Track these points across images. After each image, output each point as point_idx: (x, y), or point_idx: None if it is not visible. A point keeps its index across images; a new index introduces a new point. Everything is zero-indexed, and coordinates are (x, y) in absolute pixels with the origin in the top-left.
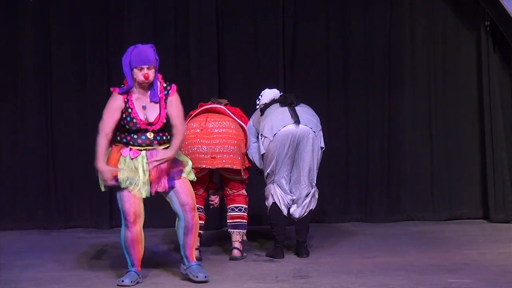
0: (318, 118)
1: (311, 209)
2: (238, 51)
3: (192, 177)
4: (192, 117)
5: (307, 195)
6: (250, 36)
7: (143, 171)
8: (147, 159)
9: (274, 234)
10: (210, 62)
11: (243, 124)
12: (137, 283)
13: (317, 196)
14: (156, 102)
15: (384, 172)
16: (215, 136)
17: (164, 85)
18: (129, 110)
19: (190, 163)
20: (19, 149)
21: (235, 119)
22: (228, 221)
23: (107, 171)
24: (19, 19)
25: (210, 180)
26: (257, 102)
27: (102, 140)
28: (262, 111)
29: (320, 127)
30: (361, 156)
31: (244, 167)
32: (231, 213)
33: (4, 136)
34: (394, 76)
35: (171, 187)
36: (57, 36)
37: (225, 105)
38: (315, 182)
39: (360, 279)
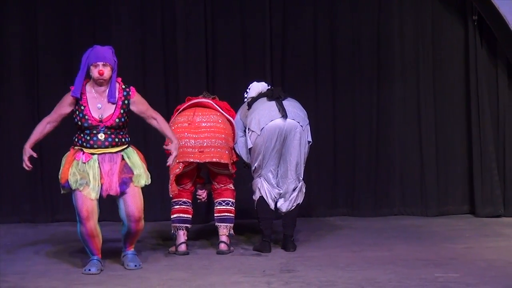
0: (306, 112)
1: (298, 203)
2: (226, 45)
3: (143, 183)
4: (180, 112)
5: (294, 189)
6: (238, 31)
7: (93, 174)
8: (98, 163)
9: (261, 228)
10: (197, 56)
11: (230, 118)
12: (101, 270)
13: (304, 191)
14: (113, 103)
15: (372, 166)
16: (202, 130)
17: (123, 86)
18: (82, 107)
19: (141, 170)
20: (4, 143)
21: (222, 113)
22: (215, 215)
23: (26, 153)
24: (5, 14)
25: (198, 174)
26: (245, 95)
27: (39, 126)
28: (250, 105)
29: (308, 121)
30: (349, 151)
31: (232, 161)
32: (218, 207)
33: None
34: (383, 71)
35: (122, 192)
36: (44, 32)
37: (213, 99)
38: (302, 177)
39: (347, 273)
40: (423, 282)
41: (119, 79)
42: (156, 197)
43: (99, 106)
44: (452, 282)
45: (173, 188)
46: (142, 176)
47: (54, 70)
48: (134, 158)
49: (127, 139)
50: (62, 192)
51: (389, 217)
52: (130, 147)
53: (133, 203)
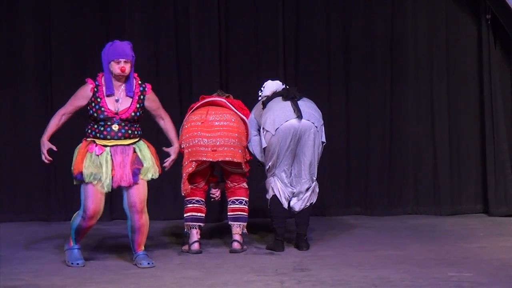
0: (320, 113)
1: (312, 203)
2: (239, 44)
3: (150, 176)
4: (193, 110)
5: (307, 189)
6: (251, 29)
7: (106, 168)
8: (111, 155)
9: (274, 227)
10: (211, 55)
11: (244, 117)
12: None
13: (317, 190)
14: (130, 97)
15: (385, 165)
16: (216, 129)
17: (139, 82)
18: (98, 99)
19: (150, 164)
20: (18, 141)
21: (236, 112)
22: (228, 213)
23: (45, 146)
24: (19, 11)
25: (211, 173)
26: (259, 94)
27: (55, 118)
28: (264, 104)
29: (322, 121)
30: (362, 150)
31: (245, 160)
32: (232, 206)
33: (3, 129)
34: (396, 70)
35: (135, 183)
36: (57, 28)
37: (227, 97)
38: (315, 177)
39: (361, 272)
40: (436, 281)
41: (136, 74)
42: (169, 195)
43: (117, 99)
44: (465, 281)
45: (185, 186)
46: (150, 169)
47: (67, 66)
48: (145, 151)
49: (139, 132)
50: (75, 183)
51: (402, 216)
52: (141, 140)
53: (136, 194)
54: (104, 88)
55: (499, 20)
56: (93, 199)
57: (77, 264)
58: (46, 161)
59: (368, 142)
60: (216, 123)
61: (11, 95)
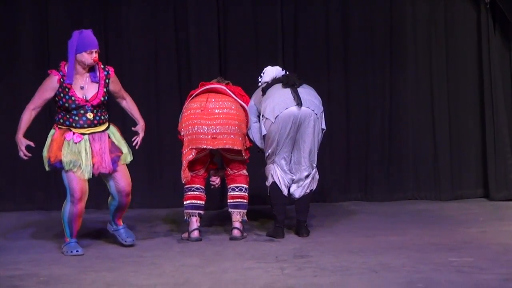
0: (320, 100)
1: (312, 189)
2: (238, 31)
3: (129, 160)
4: (193, 97)
5: (307, 176)
6: (250, 16)
7: (86, 154)
8: (90, 142)
9: (274, 213)
10: (210, 41)
11: (244, 104)
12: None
13: (317, 177)
14: (96, 82)
15: (385, 151)
16: (215, 116)
17: (102, 66)
18: (67, 89)
19: (126, 149)
20: (15, 130)
21: (236, 99)
22: (228, 201)
23: (23, 143)
24: (17, 1)
25: (211, 161)
26: (259, 80)
27: (26, 114)
28: (264, 91)
29: (322, 108)
30: (362, 136)
31: (245, 147)
32: (232, 193)
33: (2, 118)
34: (395, 56)
35: (114, 170)
36: (55, 17)
37: (226, 84)
38: (315, 164)
39: (361, 258)
40: (437, 266)
41: (96, 59)
42: (168, 183)
43: (82, 86)
44: (466, 266)
45: (185, 174)
46: (127, 154)
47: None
48: (117, 136)
49: (107, 117)
50: (47, 169)
51: (403, 201)
52: (111, 125)
53: (123, 179)
54: (69, 78)
55: (498, 5)
56: (77, 182)
57: (76, 251)
58: (25, 157)
59: (368, 128)
60: (216, 110)
61: (9, 85)
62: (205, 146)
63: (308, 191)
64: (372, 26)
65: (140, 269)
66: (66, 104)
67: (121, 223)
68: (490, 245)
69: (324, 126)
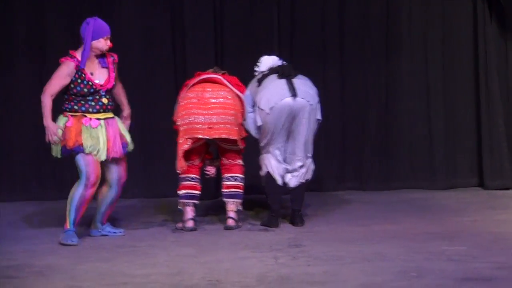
0: (316, 90)
1: (307, 179)
2: (234, 22)
3: (132, 148)
4: (190, 87)
5: (301, 167)
6: (246, 5)
7: (103, 139)
8: (105, 127)
9: (269, 203)
10: (206, 30)
11: (240, 94)
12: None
13: (313, 167)
14: (105, 67)
15: (380, 140)
16: (212, 106)
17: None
18: (83, 75)
19: (129, 138)
20: (12, 121)
21: (232, 89)
22: (223, 190)
23: (54, 127)
24: None
25: (207, 150)
26: (255, 69)
27: (48, 100)
28: (260, 81)
29: (318, 99)
30: (358, 125)
31: (241, 137)
32: (227, 183)
33: None
34: (391, 43)
35: (124, 154)
36: (51, 7)
37: (222, 74)
38: (310, 154)
39: (355, 247)
40: (430, 255)
41: None
42: (163, 173)
43: (92, 72)
44: (459, 255)
45: (181, 164)
46: (131, 143)
47: (60, 47)
48: (121, 124)
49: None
50: (59, 156)
51: (397, 190)
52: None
53: (124, 168)
54: (83, 62)
55: None
56: (94, 166)
57: (72, 241)
58: (57, 141)
59: (363, 117)
60: (212, 100)
61: (4, 75)
62: (201, 136)
63: (303, 180)
64: (368, 13)
65: (135, 259)
66: (85, 89)
67: (106, 221)
68: (483, 233)
69: (319, 117)
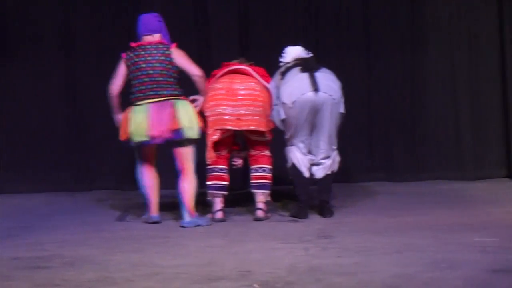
0: (339, 84)
1: (333, 171)
2: (258, 11)
3: (191, 134)
4: (218, 78)
5: (327, 158)
6: None
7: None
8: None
9: (297, 194)
10: (230, 23)
11: (267, 85)
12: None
13: (338, 160)
14: None
15: (408, 131)
16: (240, 97)
17: None
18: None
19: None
20: (42, 112)
21: (260, 80)
22: (252, 181)
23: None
24: None
25: (234, 141)
26: (280, 60)
27: (115, 99)
28: (283, 74)
29: (340, 93)
30: (385, 115)
31: (269, 128)
32: (255, 174)
33: (27, 99)
34: (417, 35)
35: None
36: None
37: (250, 65)
38: (335, 146)
39: (385, 238)
40: (461, 247)
41: None
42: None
43: None
44: (490, 246)
45: (210, 154)
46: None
47: (88, 34)
48: (183, 111)
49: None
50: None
51: (426, 182)
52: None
53: (182, 155)
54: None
55: None
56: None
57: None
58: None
59: (390, 108)
60: (241, 91)
61: (33, 64)
62: (230, 127)
63: (329, 172)
64: (394, 5)
65: (166, 250)
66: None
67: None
68: None
69: (343, 110)
